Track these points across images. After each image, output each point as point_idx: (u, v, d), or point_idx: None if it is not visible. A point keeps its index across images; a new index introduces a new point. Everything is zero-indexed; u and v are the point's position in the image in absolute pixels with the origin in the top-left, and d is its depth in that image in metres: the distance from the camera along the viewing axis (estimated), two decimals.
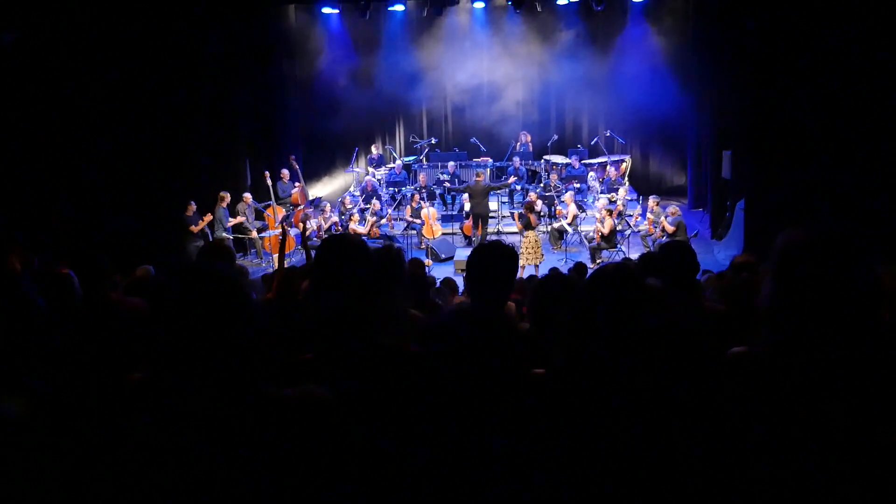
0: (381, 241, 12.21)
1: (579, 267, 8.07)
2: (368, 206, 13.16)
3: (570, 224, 12.69)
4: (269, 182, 12.73)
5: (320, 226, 12.63)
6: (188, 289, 1.46)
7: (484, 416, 1.46)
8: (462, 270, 10.06)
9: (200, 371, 1.45)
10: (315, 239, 12.03)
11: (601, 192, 13.60)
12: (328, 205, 13.24)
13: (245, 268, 8.64)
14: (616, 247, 11.93)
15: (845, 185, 10.63)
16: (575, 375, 1.93)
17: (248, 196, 12.61)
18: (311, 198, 13.21)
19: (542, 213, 12.81)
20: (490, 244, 2.75)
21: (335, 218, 12.91)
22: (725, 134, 12.18)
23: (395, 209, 13.69)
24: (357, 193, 14.36)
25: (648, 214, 12.23)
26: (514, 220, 12.45)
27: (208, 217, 11.64)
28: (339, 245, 2.25)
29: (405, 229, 13.16)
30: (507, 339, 1.83)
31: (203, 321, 1.44)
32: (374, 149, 15.47)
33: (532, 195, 12.62)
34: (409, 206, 13.35)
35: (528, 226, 11.52)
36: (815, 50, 11.06)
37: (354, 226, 12.61)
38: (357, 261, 2.17)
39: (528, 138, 15.00)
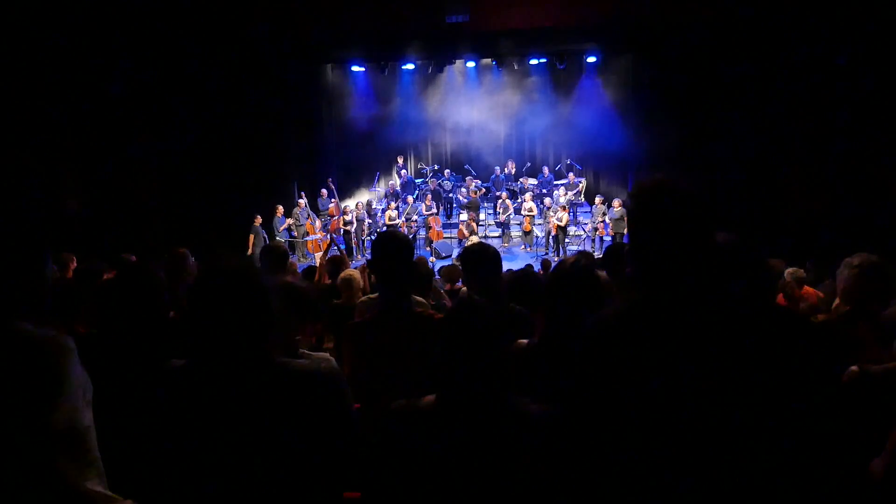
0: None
1: (545, 263, 8.11)
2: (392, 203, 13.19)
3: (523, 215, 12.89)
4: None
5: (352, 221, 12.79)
6: (212, 281, 1.40)
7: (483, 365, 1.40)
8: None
9: (223, 346, 1.38)
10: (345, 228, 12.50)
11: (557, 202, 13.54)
12: (360, 204, 13.26)
13: (294, 263, 8.68)
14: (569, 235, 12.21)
15: (746, 197, 10.80)
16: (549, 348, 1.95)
17: (301, 201, 12.73)
18: (341, 209, 13.15)
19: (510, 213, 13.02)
20: (478, 245, 2.77)
21: (367, 218, 12.97)
22: (656, 160, 12.23)
23: (415, 200, 13.65)
24: (383, 197, 14.38)
25: (598, 217, 12.22)
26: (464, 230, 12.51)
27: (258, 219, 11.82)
28: (391, 239, 2.24)
29: (416, 233, 13.10)
30: (495, 313, 1.82)
31: (223, 305, 1.37)
32: (399, 159, 15.35)
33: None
34: (423, 204, 13.35)
35: (472, 232, 12.02)
36: (724, 98, 11.21)
37: (391, 212, 12.79)
38: (404, 251, 2.20)
39: (513, 165, 14.96)
